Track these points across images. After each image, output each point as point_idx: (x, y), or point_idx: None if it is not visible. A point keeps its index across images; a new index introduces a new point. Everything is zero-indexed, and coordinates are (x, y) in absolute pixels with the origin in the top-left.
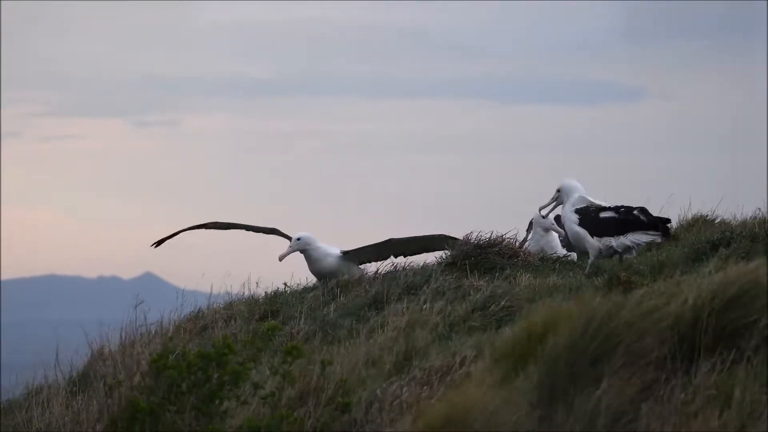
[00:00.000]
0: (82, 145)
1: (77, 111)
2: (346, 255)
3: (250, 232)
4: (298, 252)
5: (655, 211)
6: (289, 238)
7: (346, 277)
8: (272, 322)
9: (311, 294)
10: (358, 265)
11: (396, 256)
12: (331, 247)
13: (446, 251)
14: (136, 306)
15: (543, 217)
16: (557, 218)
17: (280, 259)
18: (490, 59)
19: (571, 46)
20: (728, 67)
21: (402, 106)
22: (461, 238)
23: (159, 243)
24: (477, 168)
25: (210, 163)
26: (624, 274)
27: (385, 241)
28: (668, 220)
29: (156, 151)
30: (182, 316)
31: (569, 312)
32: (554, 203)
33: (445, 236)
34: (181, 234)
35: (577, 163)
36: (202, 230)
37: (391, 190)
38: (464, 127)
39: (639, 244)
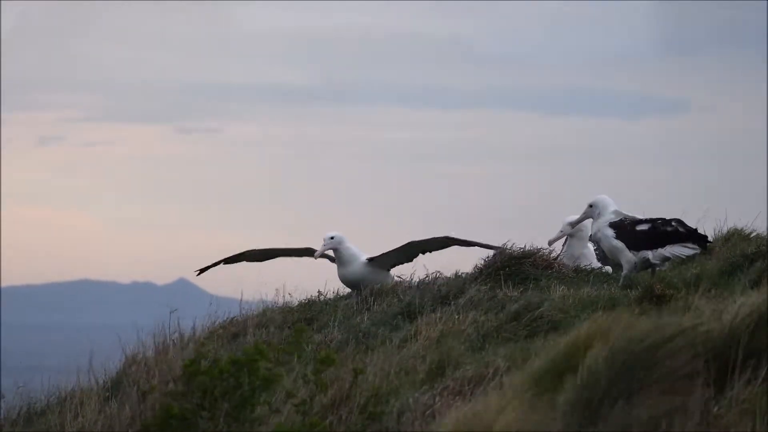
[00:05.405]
0: (123, 150)
1: (119, 116)
2: (372, 262)
3: (286, 256)
4: (331, 253)
5: (691, 225)
6: (323, 255)
7: (378, 285)
8: (301, 325)
9: (345, 302)
10: (386, 270)
11: (422, 254)
12: (361, 253)
13: (480, 262)
14: (171, 312)
15: (570, 225)
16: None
17: (316, 257)
18: (530, 70)
19: (612, 57)
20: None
21: (440, 115)
22: (469, 240)
23: (202, 271)
24: (516, 179)
25: (250, 170)
26: (658, 286)
27: (406, 244)
28: (707, 239)
29: (197, 157)
30: (216, 323)
31: (608, 326)
32: (585, 218)
33: (453, 238)
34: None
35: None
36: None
37: (429, 199)
38: (503, 138)
39: (677, 256)
